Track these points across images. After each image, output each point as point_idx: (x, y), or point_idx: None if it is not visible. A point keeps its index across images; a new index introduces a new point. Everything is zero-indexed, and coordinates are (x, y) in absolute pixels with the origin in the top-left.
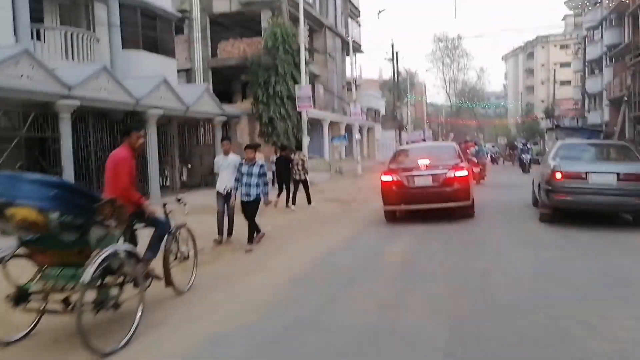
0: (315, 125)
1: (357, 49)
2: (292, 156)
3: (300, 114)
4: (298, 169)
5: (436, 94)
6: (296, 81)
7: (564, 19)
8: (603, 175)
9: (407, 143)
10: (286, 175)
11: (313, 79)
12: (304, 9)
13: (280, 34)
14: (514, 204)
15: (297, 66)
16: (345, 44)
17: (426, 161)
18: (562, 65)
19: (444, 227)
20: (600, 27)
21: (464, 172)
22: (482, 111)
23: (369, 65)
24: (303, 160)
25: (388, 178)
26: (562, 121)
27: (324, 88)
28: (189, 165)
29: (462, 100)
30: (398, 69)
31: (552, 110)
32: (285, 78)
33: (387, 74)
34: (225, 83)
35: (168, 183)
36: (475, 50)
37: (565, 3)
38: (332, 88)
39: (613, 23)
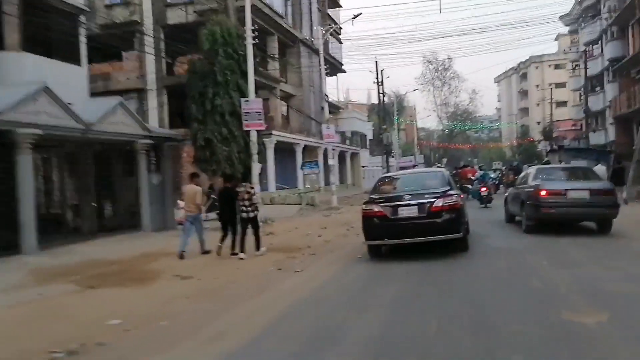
0: (286, 150)
1: (338, 67)
2: (239, 189)
3: (249, 134)
4: (245, 205)
5: (427, 118)
6: (244, 94)
7: (557, 39)
8: (578, 191)
9: (397, 169)
10: (230, 213)
11: (287, 99)
12: (274, 21)
13: (221, 34)
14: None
15: (245, 75)
16: (324, 62)
17: (411, 189)
18: (558, 85)
19: (429, 281)
20: (600, 41)
21: (454, 200)
22: (475, 135)
23: (357, 89)
24: (250, 194)
25: (369, 209)
26: (563, 142)
27: (299, 110)
28: (94, 204)
29: (454, 124)
30: (383, 89)
31: (550, 132)
32: (228, 89)
33: (376, 98)
34: (184, 103)
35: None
36: (466, 72)
37: (560, 18)
38: (308, 110)
39: (615, 35)
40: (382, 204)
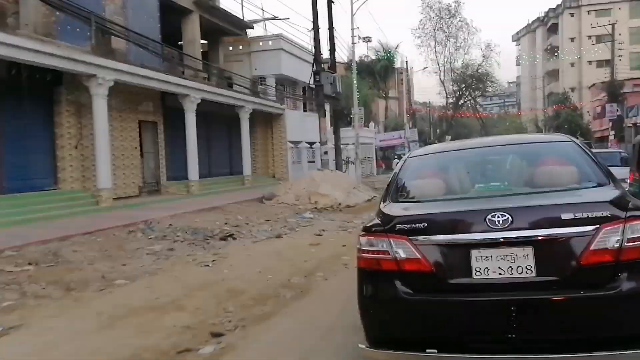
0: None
1: None
2: None
3: None
4: None
5: (426, 80)
6: None
7: None
8: None
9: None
10: None
11: None
12: None
13: None
14: None
15: None
16: None
17: (507, 193)
18: (601, 38)
19: None
20: None
21: None
22: (485, 107)
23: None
24: None
25: (379, 251)
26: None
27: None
28: None
29: (461, 89)
30: None
31: (617, 87)
32: None
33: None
34: None
35: None
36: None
37: None
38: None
39: None
40: (421, 239)
